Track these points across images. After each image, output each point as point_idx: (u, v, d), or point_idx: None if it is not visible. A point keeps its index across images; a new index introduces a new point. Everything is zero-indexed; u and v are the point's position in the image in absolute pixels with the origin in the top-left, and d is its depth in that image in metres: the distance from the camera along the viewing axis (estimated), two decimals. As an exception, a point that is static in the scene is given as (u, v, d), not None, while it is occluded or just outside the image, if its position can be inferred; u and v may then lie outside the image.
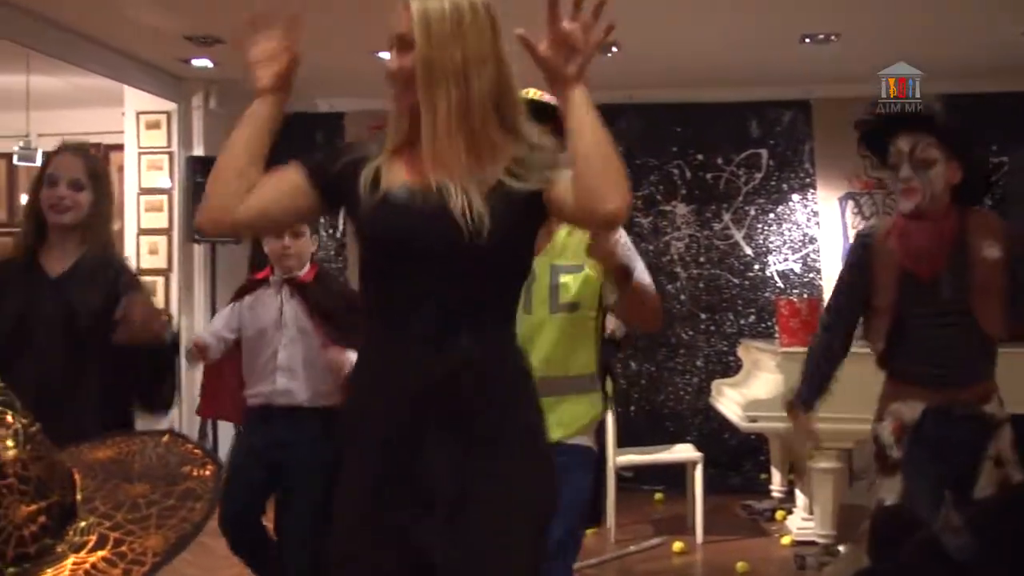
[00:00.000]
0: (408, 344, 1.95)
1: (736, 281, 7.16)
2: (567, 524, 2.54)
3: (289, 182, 2.01)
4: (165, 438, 1.27)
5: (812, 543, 5.17)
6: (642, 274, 2.69)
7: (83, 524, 1.07)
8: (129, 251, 6.58)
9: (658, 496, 6.63)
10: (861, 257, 3.28)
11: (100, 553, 1.04)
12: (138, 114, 6.96)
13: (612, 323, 2.90)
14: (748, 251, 7.19)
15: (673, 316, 7.11)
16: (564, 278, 2.73)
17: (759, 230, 7.18)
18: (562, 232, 2.76)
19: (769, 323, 6.84)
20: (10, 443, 1.01)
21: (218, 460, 1.26)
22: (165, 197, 6.93)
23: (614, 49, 5.80)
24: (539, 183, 1.94)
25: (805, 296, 6.69)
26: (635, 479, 6.53)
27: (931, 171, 3.09)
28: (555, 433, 2.38)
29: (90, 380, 2.95)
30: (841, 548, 4.96)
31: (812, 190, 7.15)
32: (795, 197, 7.17)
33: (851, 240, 6.13)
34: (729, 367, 6.81)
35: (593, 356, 2.83)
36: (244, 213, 1.96)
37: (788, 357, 5.07)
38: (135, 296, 2.96)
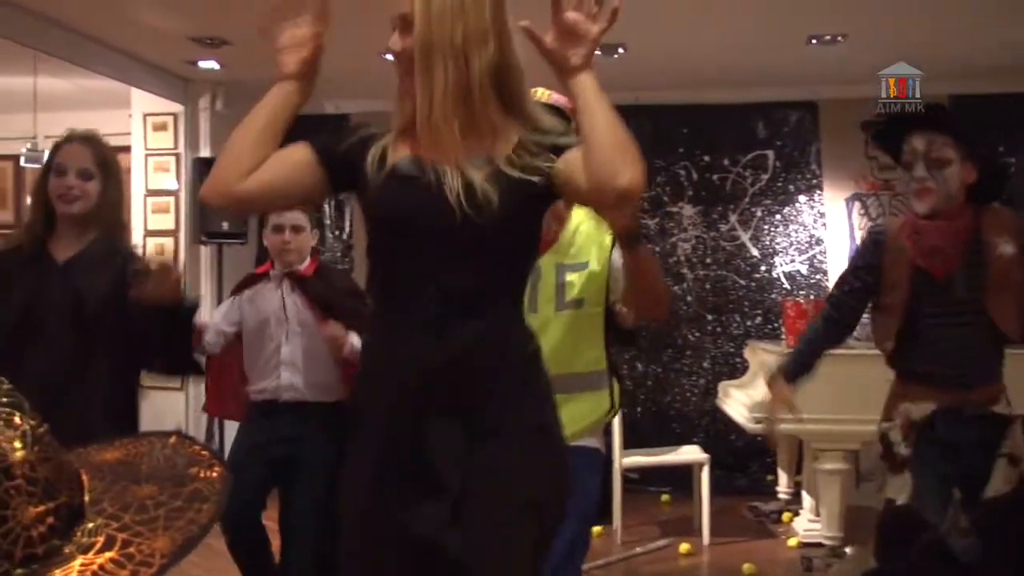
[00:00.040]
0: (409, 331, 1.93)
1: (743, 282, 7.15)
2: (575, 526, 2.55)
3: (296, 157, 1.99)
4: (172, 439, 1.27)
5: (819, 545, 5.16)
6: None
7: (91, 525, 1.07)
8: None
9: (664, 497, 6.62)
10: (873, 254, 3.25)
11: (108, 554, 1.04)
12: (145, 116, 6.98)
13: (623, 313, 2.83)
14: (755, 252, 7.18)
15: (679, 317, 7.11)
16: (570, 276, 2.73)
17: (766, 231, 7.17)
18: (568, 230, 2.77)
19: (776, 324, 6.83)
20: (18, 444, 1.01)
21: (225, 462, 1.26)
22: (172, 199, 6.95)
23: (620, 51, 5.81)
24: (546, 164, 1.91)
25: (812, 297, 6.68)
26: (641, 480, 6.52)
27: (946, 171, 3.07)
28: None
29: (99, 366, 2.94)
30: (848, 550, 4.95)
31: (819, 191, 7.14)
32: (802, 198, 7.16)
33: (860, 239, 6.15)
34: (736, 368, 6.80)
35: (601, 353, 2.82)
36: (249, 185, 1.94)
37: (795, 358, 5.06)
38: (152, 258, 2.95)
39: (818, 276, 7.10)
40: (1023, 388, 3.25)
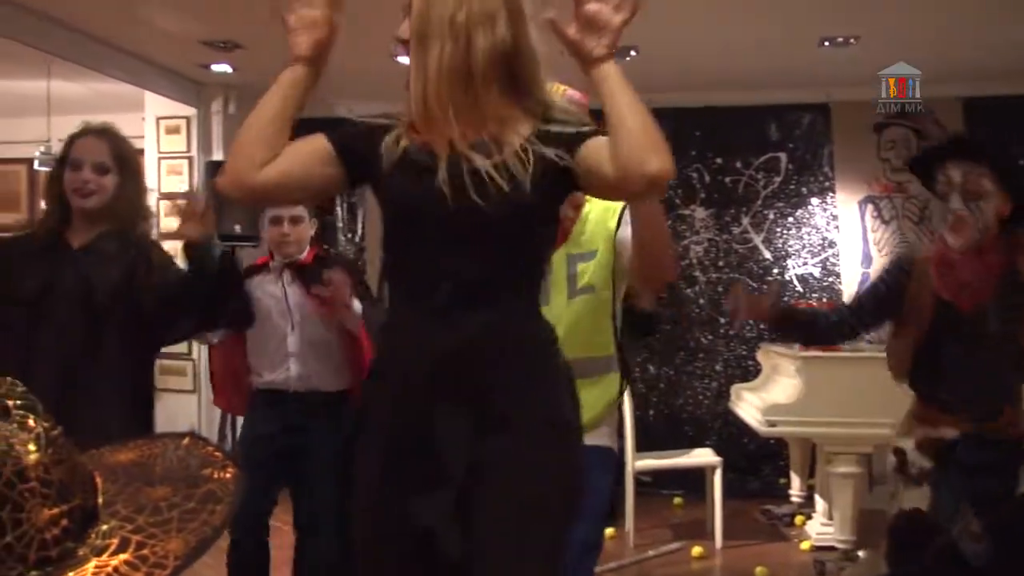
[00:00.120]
0: (420, 319, 1.92)
1: (755, 285, 7.13)
2: (587, 526, 2.54)
3: (313, 147, 1.97)
4: (186, 441, 1.27)
5: (831, 548, 5.15)
6: None
7: (105, 527, 1.07)
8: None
9: (677, 501, 6.61)
10: (896, 279, 3.20)
11: (122, 556, 1.04)
12: (158, 119, 7.00)
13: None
14: (767, 255, 7.16)
15: (692, 320, 7.10)
16: (581, 266, 2.74)
17: (778, 234, 7.15)
18: (579, 219, 2.77)
19: (788, 327, 6.79)
20: (32, 447, 1.01)
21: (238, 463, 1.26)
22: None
23: (632, 53, 5.80)
24: (563, 154, 1.88)
25: (824, 300, 6.66)
26: (654, 483, 6.51)
27: (982, 203, 2.99)
28: None
29: (110, 354, 2.91)
30: (861, 553, 4.94)
31: (831, 193, 7.11)
32: (814, 201, 7.13)
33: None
34: (748, 371, 6.79)
35: (610, 338, 2.81)
36: (267, 174, 1.92)
37: (807, 362, 5.06)
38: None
39: (831, 279, 7.08)
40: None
